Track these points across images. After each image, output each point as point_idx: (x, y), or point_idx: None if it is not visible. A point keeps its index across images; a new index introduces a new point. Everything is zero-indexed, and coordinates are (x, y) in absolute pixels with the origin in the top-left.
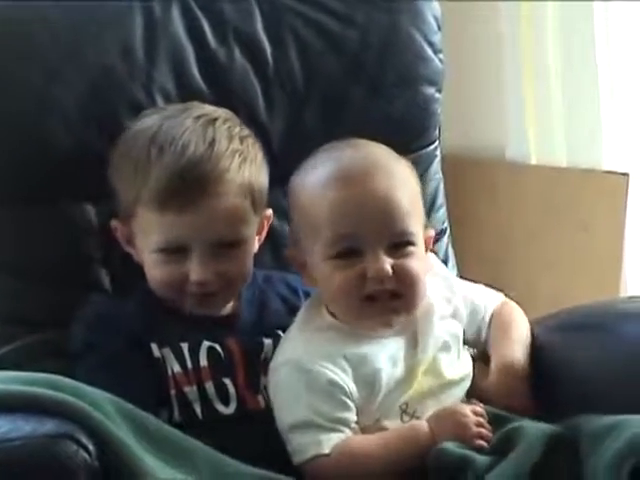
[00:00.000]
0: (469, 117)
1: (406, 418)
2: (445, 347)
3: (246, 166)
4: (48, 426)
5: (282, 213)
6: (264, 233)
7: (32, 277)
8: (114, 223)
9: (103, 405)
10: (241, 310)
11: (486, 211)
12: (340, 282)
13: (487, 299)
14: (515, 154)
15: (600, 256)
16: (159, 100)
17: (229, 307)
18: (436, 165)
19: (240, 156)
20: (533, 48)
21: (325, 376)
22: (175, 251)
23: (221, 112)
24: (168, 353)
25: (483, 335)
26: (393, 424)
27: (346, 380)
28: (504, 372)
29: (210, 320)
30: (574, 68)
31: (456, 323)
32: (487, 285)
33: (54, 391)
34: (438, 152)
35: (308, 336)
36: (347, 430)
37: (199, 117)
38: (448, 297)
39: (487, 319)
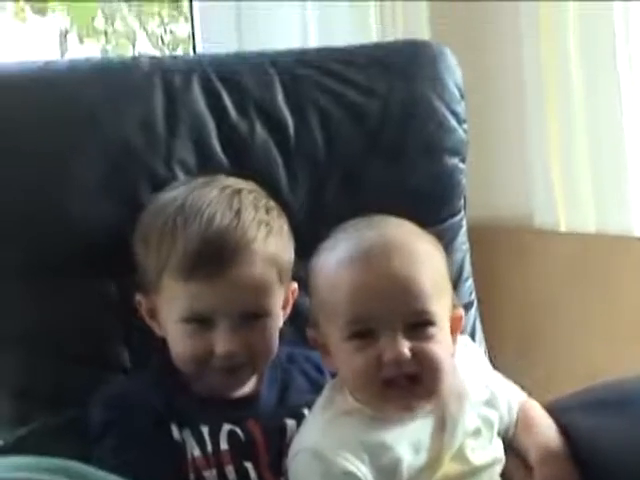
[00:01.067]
0: (494, 184)
1: None
2: (475, 433)
3: (272, 237)
4: None
5: (304, 287)
6: (289, 307)
7: (48, 353)
8: (138, 297)
9: None
10: (262, 390)
11: (514, 280)
12: (357, 366)
13: (511, 393)
14: (543, 221)
15: (632, 327)
16: (179, 174)
17: (249, 387)
18: (462, 236)
19: (267, 227)
20: (558, 113)
21: (342, 468)
22: (200, 322)
23: (246, 184)
24: (188, 436)
25: (510, 430)
26: None
27: (364, 471)
28: (550, 462)
29: (229, 401)
30: (601, 133)
31: (492, 412)
32: (515, 357)
33: (61, 478)
34: (464, 222)
35: (328, 420)
36: None
37: (224, 188)
38: (484, 382)
39: (514, 415)
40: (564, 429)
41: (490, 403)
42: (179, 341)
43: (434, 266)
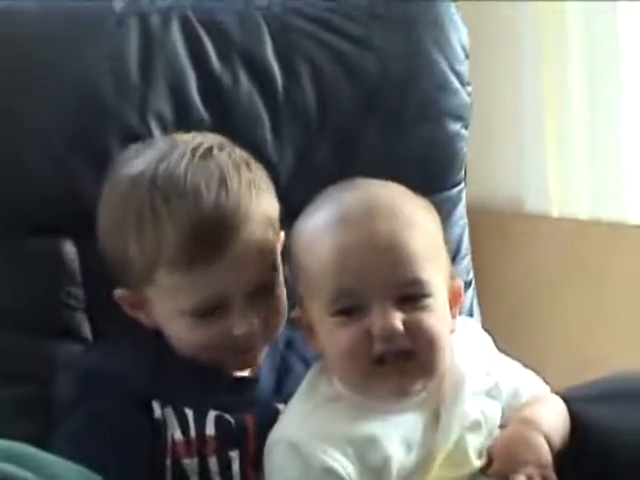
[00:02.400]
0: (485, 165)
1: None
2: (475, 427)
3: (262, 195)
4: None
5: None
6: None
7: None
8: (119, 293)
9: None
10: (261, 374)
11: (504, 266)
12: (343, 342)
13: (531, 385)
14: (534, 206)
15: (625, 316)
16: (155, 129)
17: (248, 371)
18: (461, 210)
19: (255, 186)
20: (555, 92)
21: (322, 463)
22: (213, 309)
23: (211, 138)
24: (170, 415)
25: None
26: None
27: (347, 468)
28: (523, 423)
29: (225, 382)
30: (599, 115)
31: (494, 403)
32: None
33: (7, 463)
34: (463, 195)
35: (310, 409)
36: None
37: (195, 150)
38: (487, 370)
39: (521, 404)
40: (580, 421)
41: (491, 393)
42: (185, 333)
43: (426, 229)
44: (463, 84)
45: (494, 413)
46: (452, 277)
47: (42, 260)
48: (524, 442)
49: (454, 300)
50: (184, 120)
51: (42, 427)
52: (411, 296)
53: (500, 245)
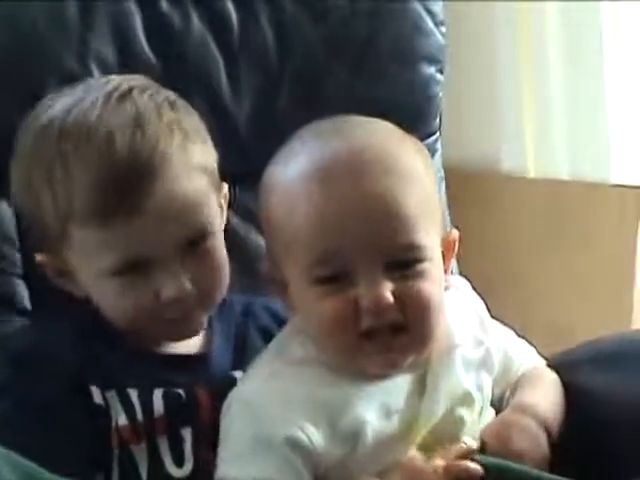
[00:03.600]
0: (459, 123)
1: None
2: (467, 400)
3: (190, 140)
4: None
5: (250, 218)
6: (224, 216)
7: None
8: (40, 258)
9: None
10: (213, 347)
11: (479, 228)
12: (326, 314)
13: (524, 355)
14: (511, 166)
15: (606, 279)
16: (95, 72)
17: (197, 343)
18: (436, 161)
19: (180, 129)
20: (531, 46)
21: (283, 431)
22: (134, 269)
23: (134, 80)
24: (113, 399)
25: (506, 397)
26: None
27: (313, 435)
28: (519, 410)
29: (171, 359)
30: (578, 69)
31: (484, 374)
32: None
33: None
34: (439, 146)
35: (275, 370)
36: None
37: (110, 94)
38: (479, 338)
39: (515, 378)
40: (574, 386)
41: (484, 364)
42: (112, 298)
43: (423, 181)
44: (437, 24)
45: (488, 388)
46: (444, 228)
47: None
48: (519, 429)
49: (448, 252)
50: (129, 64)
51: None
52: (403, 262)
53: (476, 206)
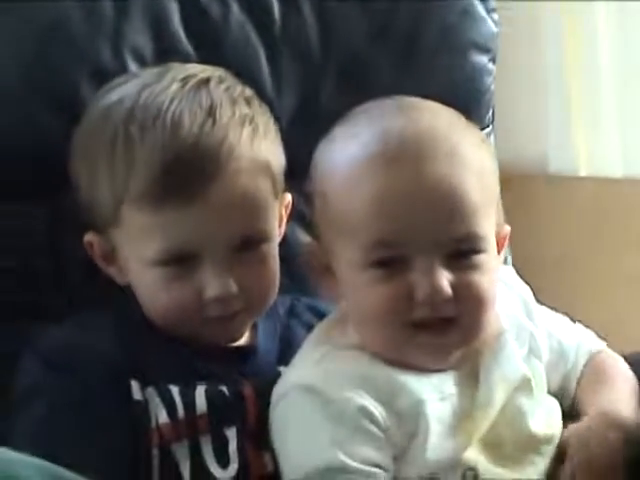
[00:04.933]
0: (504, 122)
1: None
2: (524, 386)
3: (259, 136)
4: None
5: (291, 214)
6: (283, 226)
7: None
8: (88, 237)
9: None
10: (258, 342)
11: (525, 231)
12: (378, 302)
13: (580, 341)
14: (560, 165)
15: None
16: (131, 65)
17: (242, 339)
18: None
19: (251, 124)
20: (581, 43)
21: (354, 403)
22: (180, 261)
23: (212, 71)
24: (153, 395)
25: (572, 390)
26: None
27: (378, 408)
28: (603, 424)
29: (215, 352)
30: (629, 61)
31: (534, 360)
32: None
33: None
34: (492, 140)
35: (325, 353)
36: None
37: (186, 79)
38: (527, 327)
39: (579, 369)
40: None
41: (530, 349)
42: (155, 289)
43: (485, 172)
44: (489, 11)
45: (542, 374)
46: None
47: (5, 227)
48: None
49: (498, 248)
50: (166, 56)
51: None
52: (463, 251)
53: (520, 209)
